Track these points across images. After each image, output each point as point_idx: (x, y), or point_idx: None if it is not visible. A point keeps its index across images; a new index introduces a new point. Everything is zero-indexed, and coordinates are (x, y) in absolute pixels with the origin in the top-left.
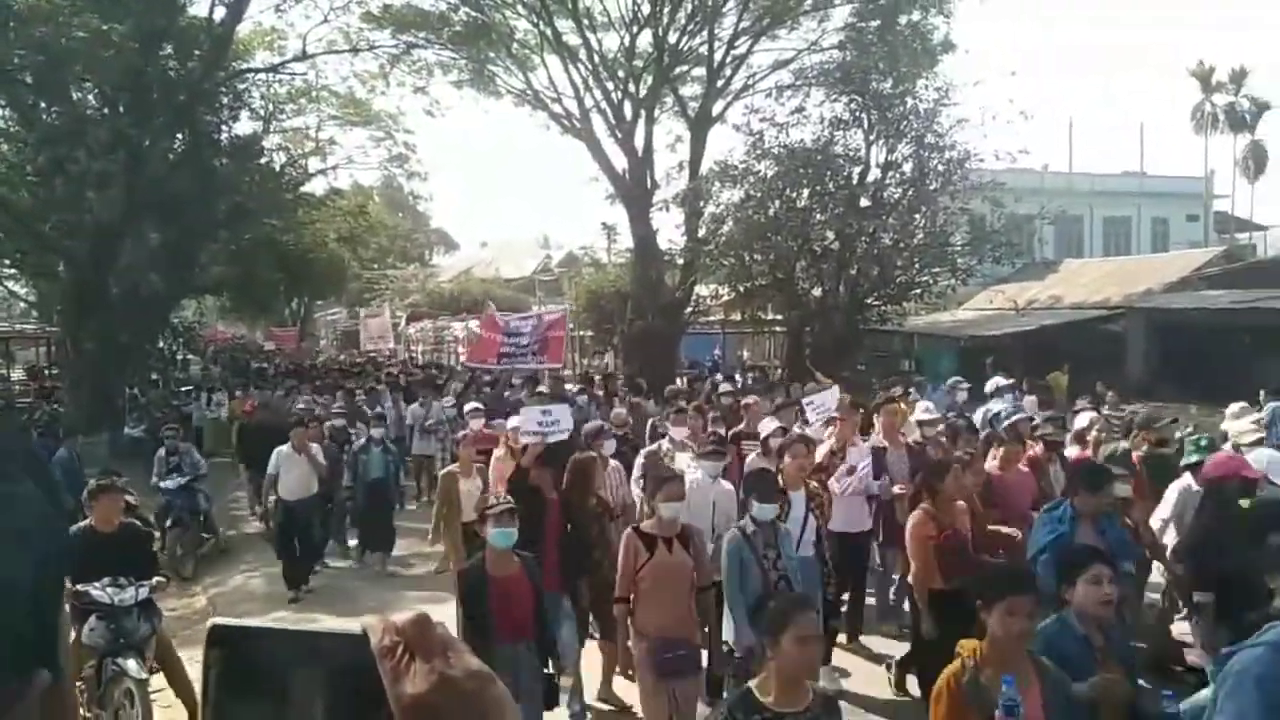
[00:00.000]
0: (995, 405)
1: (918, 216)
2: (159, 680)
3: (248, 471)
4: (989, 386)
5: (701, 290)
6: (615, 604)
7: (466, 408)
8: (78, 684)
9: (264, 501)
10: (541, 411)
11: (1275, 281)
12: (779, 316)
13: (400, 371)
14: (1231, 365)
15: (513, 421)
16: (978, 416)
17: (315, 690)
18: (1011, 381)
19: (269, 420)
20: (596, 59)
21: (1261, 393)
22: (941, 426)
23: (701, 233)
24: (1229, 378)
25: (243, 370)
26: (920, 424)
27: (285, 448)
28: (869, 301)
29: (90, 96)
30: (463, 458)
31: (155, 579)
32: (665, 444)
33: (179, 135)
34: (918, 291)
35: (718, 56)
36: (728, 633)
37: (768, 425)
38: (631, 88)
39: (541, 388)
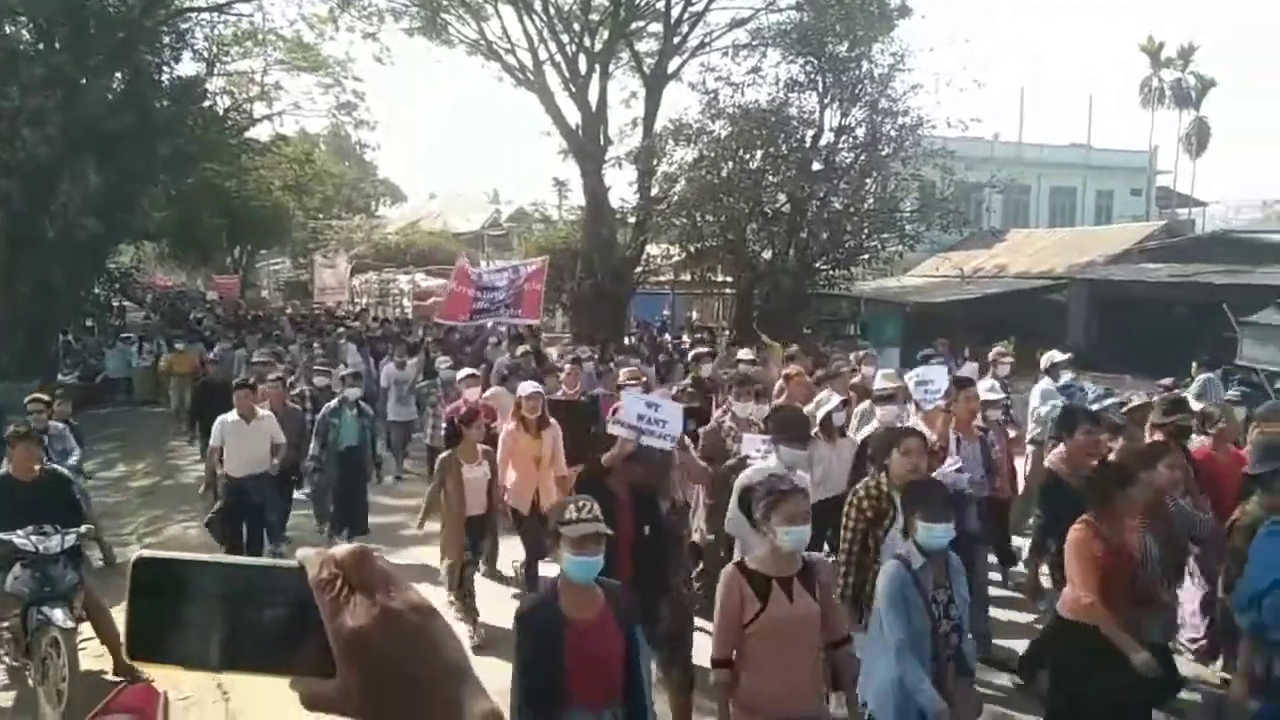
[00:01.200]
0: (1045, 385)
1: (869, 181)
2: (87, 629)
3: (203, 438)
4: (1044, 361)
5: (652, 250)
6: (714, 669)
7: (460, 374)
8: (3, 633)
9: (208, 478)
10: (646, 404)
11: (1213, 256)
12: (729, 278)
13: (360, 325)
14: (1169, 338)
15: (526, 387)
16: (1034, 399)
17: (246, 623)
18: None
19: (225, 378)
20: (552, 10)
21: (1194, 364)
22: (999, 414)
23: (654, 191)
24: (1166, 350)
25: (181, 320)
26: (985, 405)
27: (230, 415)
28: (818, 265)
29: (24, 31)
30: (467, 439)
31: (83, 527)
32: (727, 421)
33: (118, 74)
34: (866, 256)
35: (675, 12)
36: (867, 695)
37: (829, 400)
38: (587, 41)
39: (526, 347)
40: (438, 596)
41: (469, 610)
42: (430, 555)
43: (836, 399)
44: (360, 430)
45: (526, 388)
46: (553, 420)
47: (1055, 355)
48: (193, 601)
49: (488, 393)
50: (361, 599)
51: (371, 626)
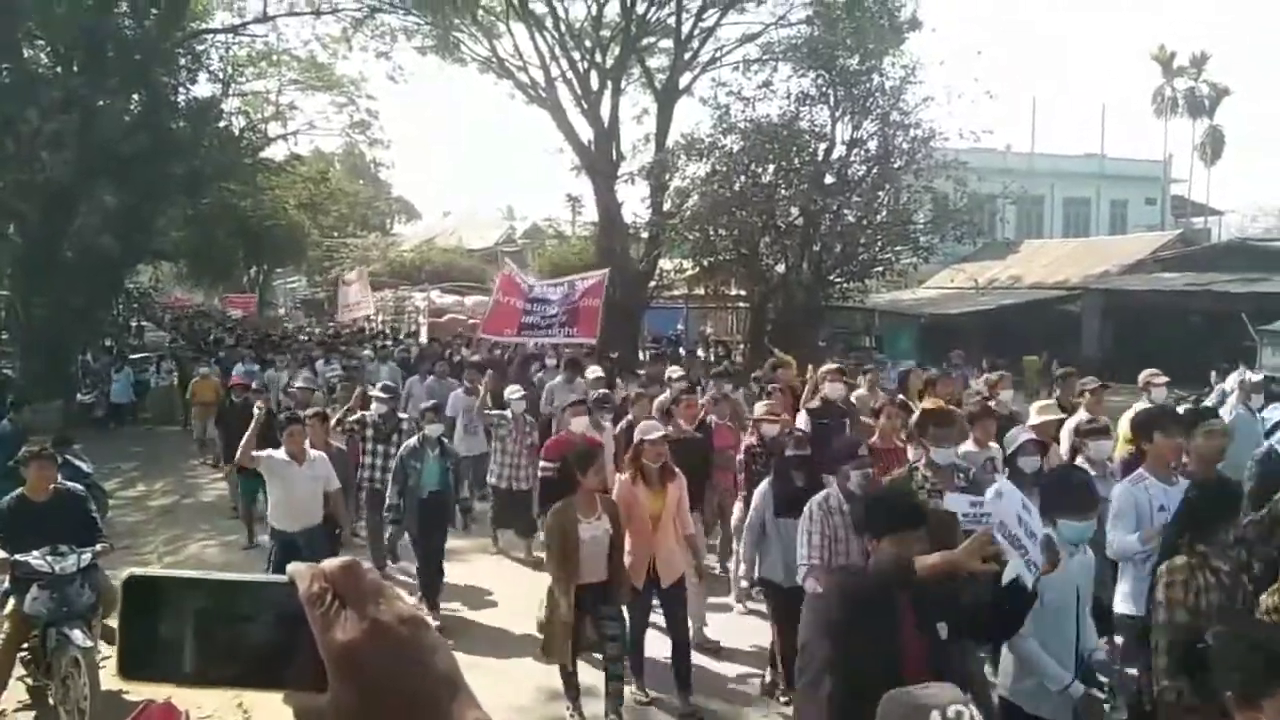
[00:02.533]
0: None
1: (881, 194)
2: (108, 648)
3: (233, 471)
4: (1232, 382)
5: (665, 264)
6: None
7: (567, 400)
8: (23, 654)
9: (250, 533)
10: (970, 503)
11: (1229, 265)
12: (742, 292)
13: (394, 344)
14: (1185, 347)
15: (649, 429)
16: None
17: (238, 639)
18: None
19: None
20: (563, 28)
21: (1213, 373)
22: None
23: (666, 206)
24: (1182, 360)
25: (199, 340)
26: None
27: (278, 453)
28: (831, 278)
29: (42, 54)
30: (585, 488)
31: (98, 545)
32: (921, 468)
33: (135, 96)
34: (880, 269)
35: (685, 28)
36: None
37: (1016, 438)
38: (598, 58)
39: (595, 371)
40: (537, 685)
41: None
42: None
43: (1024, 435)
44: (443, 473)
45: (649, 430)
46: (678, 470)
47: (1248, 375)
48: (184, 619)
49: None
50: (352, 613)
51: (362, 640)
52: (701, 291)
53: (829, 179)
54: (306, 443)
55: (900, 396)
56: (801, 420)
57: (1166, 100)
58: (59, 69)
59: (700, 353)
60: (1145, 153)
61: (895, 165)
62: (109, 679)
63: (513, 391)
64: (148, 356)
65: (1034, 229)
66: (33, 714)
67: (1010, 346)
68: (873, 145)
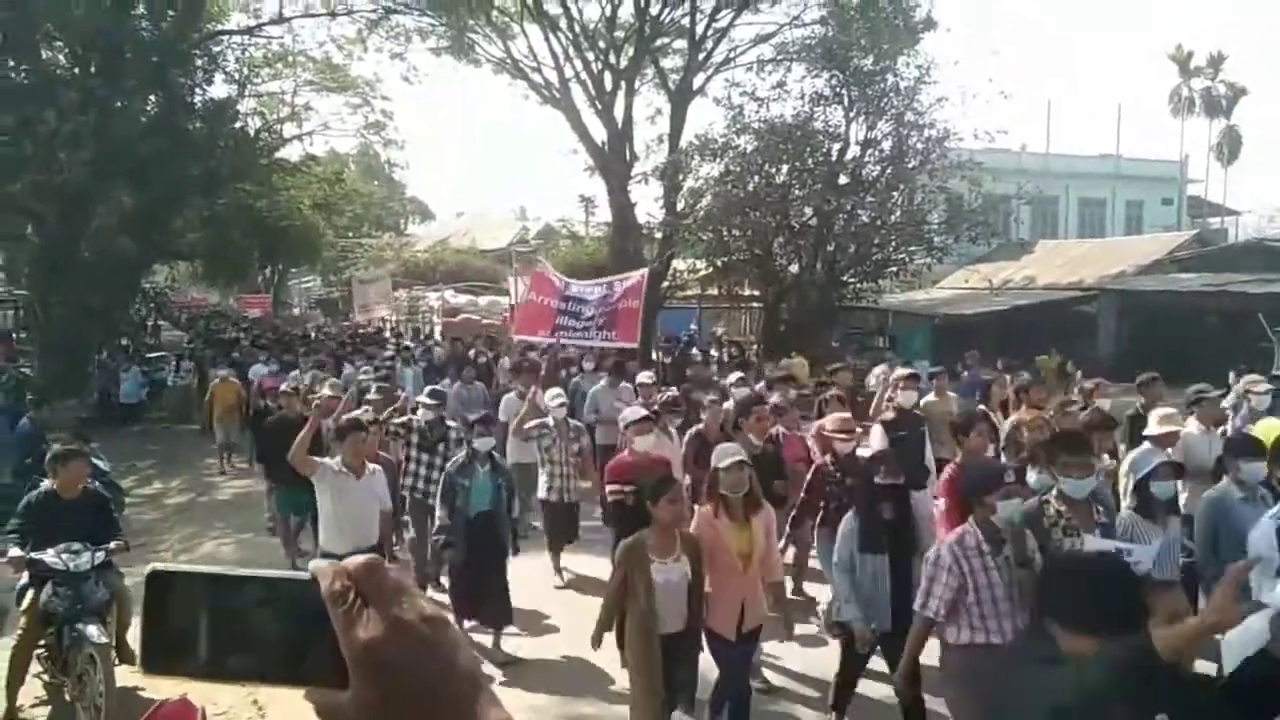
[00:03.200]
0: None
1: (896, 194)
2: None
3: (270, 479)
4: None
5: (679, 264)
6: None
7: (629, 415)
8: (39, 651)
9: (291, 556)
10: (1118, 549)
11: (1246, 266)
12: (755, 292)
13: (416, 346)
14: (1202, 348)
15: (726, 452)
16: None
17: (259, 634)
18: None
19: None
20: (577, 28)
21: (1231, 374)
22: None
23: (680, 206)
24: (1198, 360)
25: (215, 340)
26: None
27: (333, 461)
28: (845, 279)
29: (60, 56)
30: (661, 518)
31: (113, 543)
32: (1053, 503)
33: (151, 97)
34: (894, 269)
35: (699, 29)
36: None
37: (1146, 462)
38: (612, 58)
39: (645, 376)
40: None
41: None
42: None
43: (1156, 457)
44: (495, 491)
45: (726, 454)
46: (766, 503)
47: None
48: (206, 614)
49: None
50: (374, 611)
51: (384, 638)
52: (715, 292)
53: (843, 179)
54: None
55: (981, 407)
56: (877, 436)
57: (1183, 100)
58: (76, 70)
59: (715, 352)
60: (1162, 153)
61: (909, 165)
62: (126, 675)
63: (552, 397)
64: (164, 356)
65: (1049, 229)
66: (49, 710)
67: (1025, 347)
68: (887, 145)
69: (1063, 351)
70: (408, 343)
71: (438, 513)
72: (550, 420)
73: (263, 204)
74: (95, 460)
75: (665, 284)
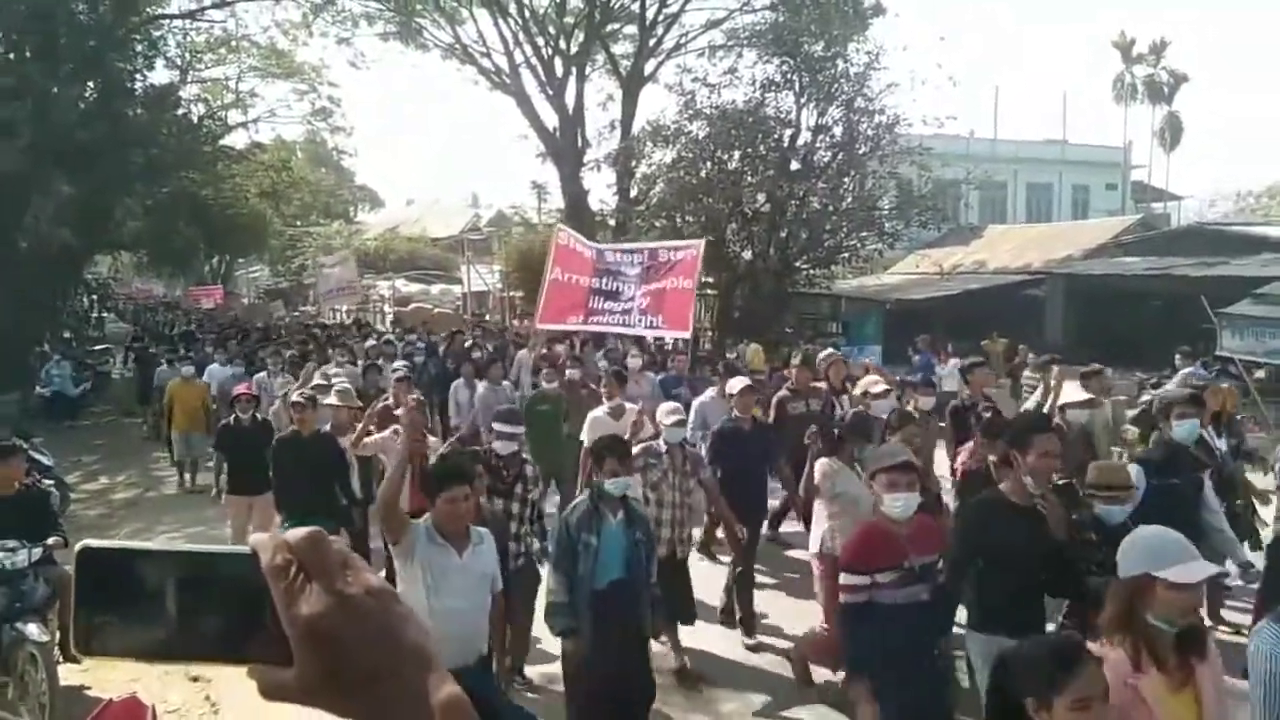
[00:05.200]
0: None
1: (847, 180)
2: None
3: (281, 512)
4: None
5: None
6: None
7: (720, 420)
8: None
9: None
10: None
11: (1188, 250)
12: (709, 279)
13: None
14: (1146, 330)
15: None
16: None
17: (197, 612)
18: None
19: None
20: (526, 13)
21: (1176, 355)
22: None
23: (633, 193)
24: (1142, 342)
25: (160, 332)
26: None
27: (422, 524)
28: (798, 265)
29: None
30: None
31: (52, 539)
32: None
33: (90, 83)
34: (846, 255)
35: (650, 14)
36: None
37: None
38: (562, 44)
39: (740, 382)
40: None
41: None
42: None
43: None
44: (631, 550)
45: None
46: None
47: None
48: (142, 592)
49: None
50: (317, 585)
51: (328, 613)
52: None
53: (795, 165)
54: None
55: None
56: (1136, 475)
57: (1126, 87)
58: (10, 55)
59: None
60: (1106, 139)
61: (860, 151)
62: (72, 674)
63: (667, 413)
64: (108, 348)
65: (997, 214)
66: None
67: (975, 331)
68: (838, 131)
69: (1011, 335)
70: (387, 335)
71: (550, 586)
72: (662, 444)
73: (208, 192)
74: (38, 455)
75: None
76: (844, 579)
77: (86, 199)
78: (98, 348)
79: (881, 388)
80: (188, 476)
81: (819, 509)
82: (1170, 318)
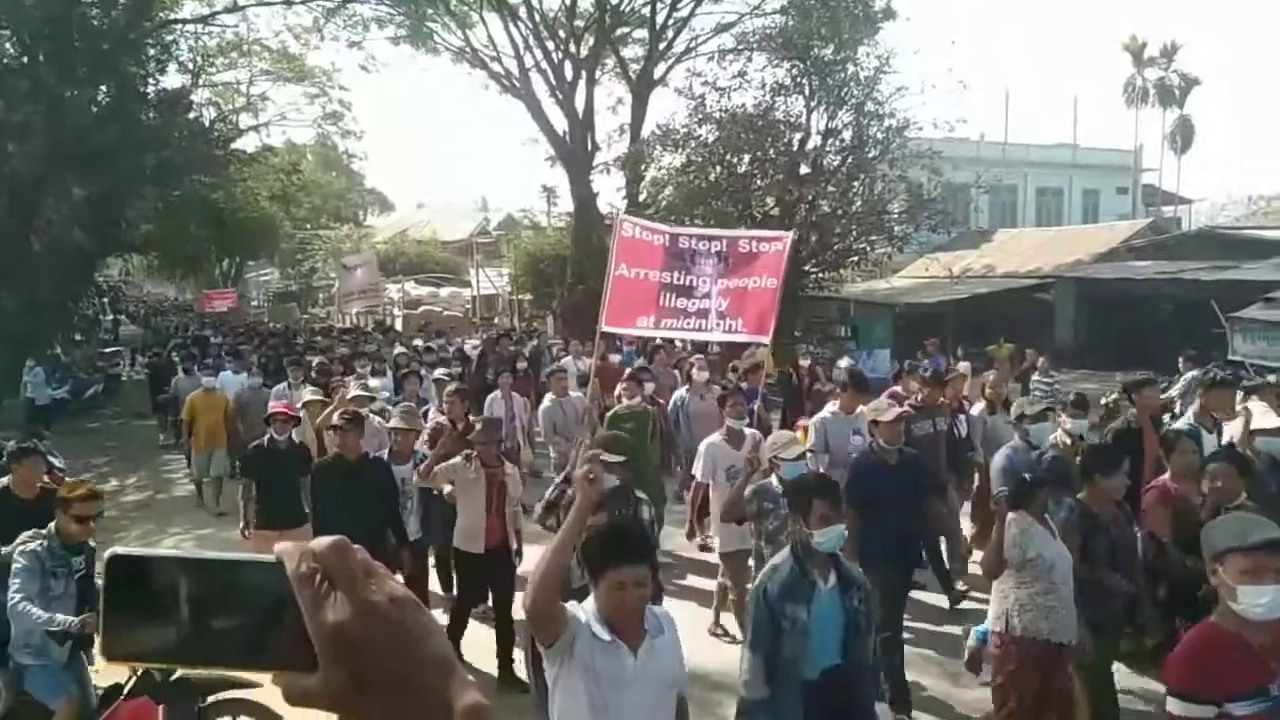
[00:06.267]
0: None
1: (856, 184)
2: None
3: None
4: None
5: None
6: None
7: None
8: None
9: None
10: None
11: (1199, 254)
12: None
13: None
14: (1156, 334)
15: None
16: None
17: (224, 618)
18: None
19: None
20: (537, 17)
21: (1180, 360)
22: None
23: (642, 197)
24: (1152, 346)
25: (167, 335)
26: None
27: (582, 613)
28: (807, 268)
29: (9, 45)
30: None
31: None
32: None
33: (103, 87)
34: (855, 258)
35: (660, 18)
36: None
37: None
38: (572, 48)
39: (886, 405)
40: None
41: None
42: None
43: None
44: (849, 625)
45: None
46: None
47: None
48: (169, 598)
49: None
50: (342, 593)
51: (353, 621)
52: None
53: (804, 169)
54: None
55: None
56: None
57: (1137, 90)
58: (26, 59)
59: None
60: (1117, 143)
61: (870, 155)
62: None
63: (785, 444)
64: (119, 351)
65: (1008, 218)
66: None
67: (985, 335)
68: (847, 135)
69: (1021, 339)
70: (428, 343)
71: (747, 677)
72: (775, 483)
73: (219, 195)
74: (49, 457)
75: None
76: (1178, 708)
77: (99, 201)
78: (108, 350)
79: (1038, 408)
80: (208, 497)
81: (1005, 580)
82: (1181, 322)
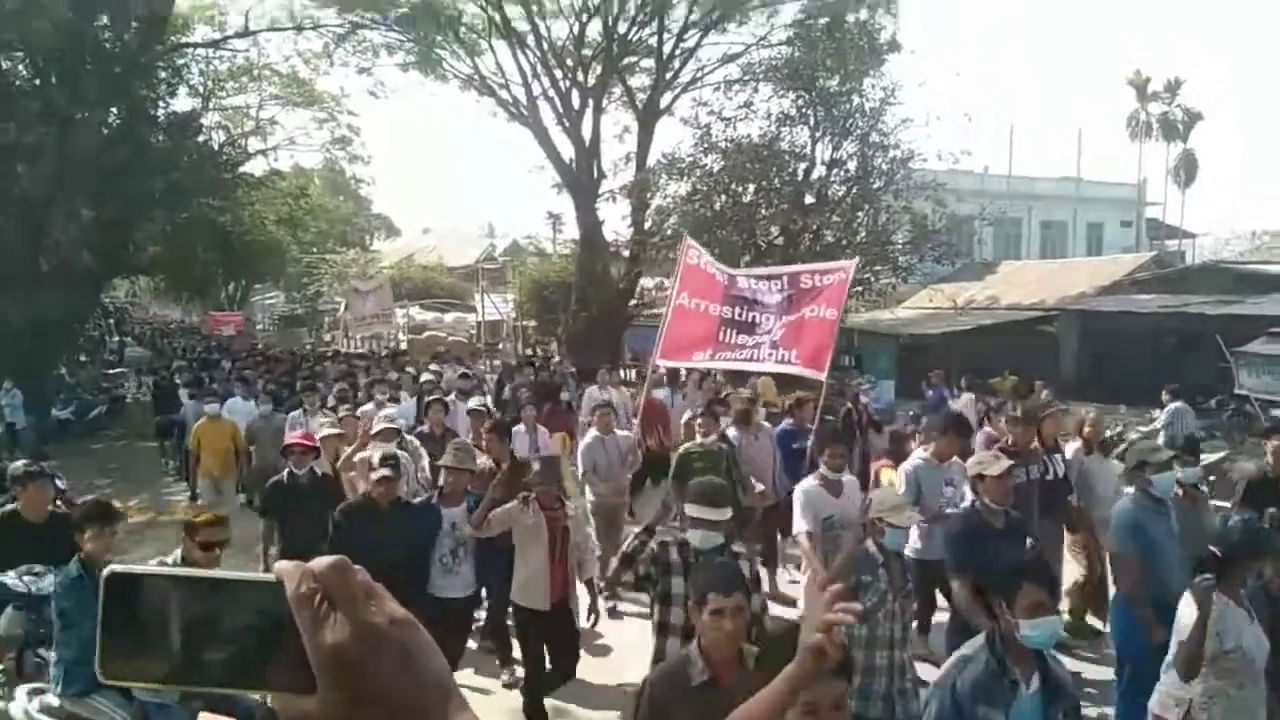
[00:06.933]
0: None
1: (861, 214)
2: None
3: None
4: None
5: (646, 282)
6: None
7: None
8: None
9: None
10: None
11: (1202, 287)
12: None
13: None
14: (1158, 368)
15: None
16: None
17: (223, 639)
18: None
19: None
20: (545, 46)
21: (1164, 393)
22: None
23: (647, 225)
24: (1156, 380)
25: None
26: None
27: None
28: None
29: (20, 66)
30: None
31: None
32: None
33: (114, 109)
34: (859, 289)
35: (667, 48)
36: None
37: None
38: (580, 77)
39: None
40: None
41: None
42: None
43: None
44: None
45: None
46: None
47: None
48: (167, 618)
49: None
50: (342, 614)
51: (352, 642)
52: None
53: (809, 199)
54: None
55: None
56: None
57: (1141, 124)
58: (37, 81)
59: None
60: (1121, 176)
61: (874, 186)
62: None
63: (889, 505)
64: (123, 372)
65: (1011, 250)
66: None
67: (988, 367)
68: (852, 166)
69: (1024, 371)
70: (462, 370)
71: None
72: (875, 550)
73: (226, 219)
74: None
75: (633, 302)
76: None
77: (108, 223)
78: (113, 371)
79: (1163, 456)
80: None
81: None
82: (1185, 356)
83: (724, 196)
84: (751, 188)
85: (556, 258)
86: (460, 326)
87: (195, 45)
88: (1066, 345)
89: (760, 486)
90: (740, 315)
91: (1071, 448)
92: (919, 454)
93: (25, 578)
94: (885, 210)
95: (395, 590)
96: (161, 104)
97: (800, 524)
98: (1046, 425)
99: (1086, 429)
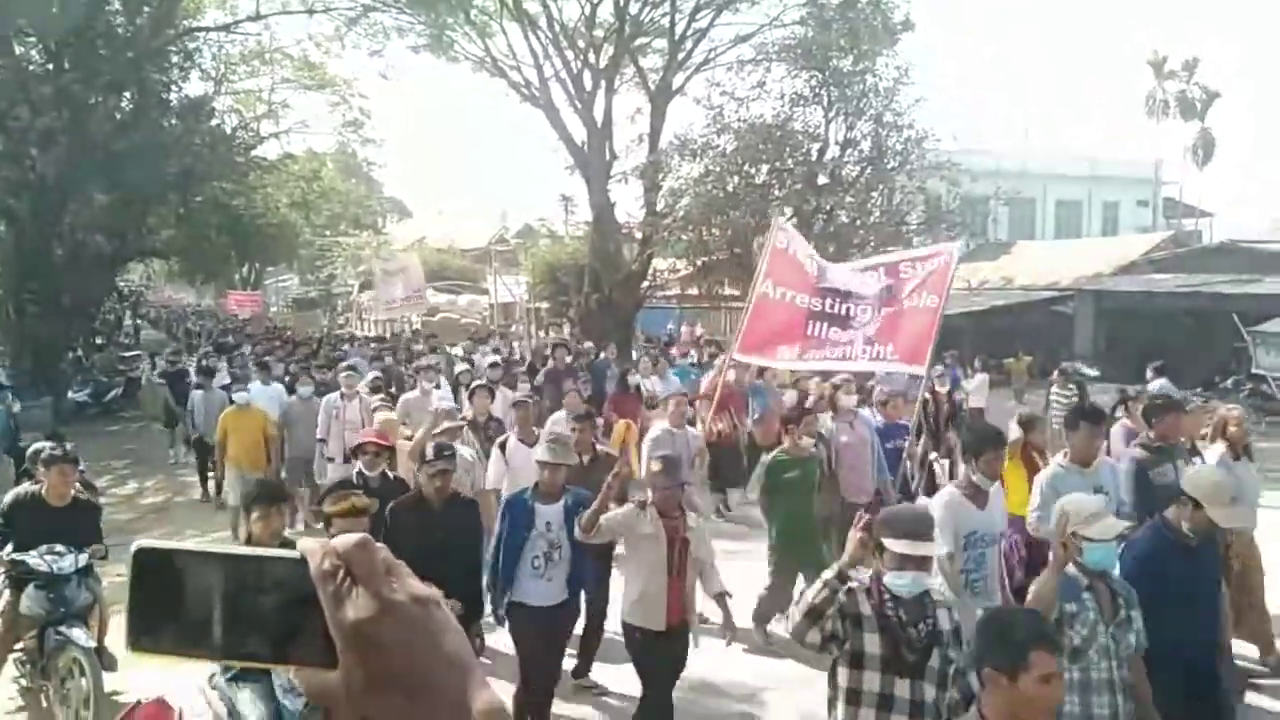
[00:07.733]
0: None
1: (875, 194)
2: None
3: None
4: None
5: (659, 264)
6: None
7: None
8: (18, 655)
9: None
10: None
11: (1219, 267)
12: (735, 292)
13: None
14: (1176, 347)
15: None
16: None
17: (247, 613)
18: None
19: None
20: (557, 27)
21: (1149, 370)
22: None
23: (660, 206)
24: (1172, 359)
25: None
26: None
27: None
28: None
29: (34, 51)
30: None
31: (93, 547)
32: None
33: (126, 94)
34: None
35: (679, 28)
36: None
37: None
38: (592, 57)
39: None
40: None
41: None
42: None
43: None
44: None
45: None
46: None
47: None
48: (194, 591)
49: None
50: (364, 590)
51: (374, 618)
52: (695, 292)
53: (822, 179)
54: None
55: None
56: None
57: (1158, 103)
58: (50, 66)
59: (694, 353)
60: (1137, 155)
61: (888, 166)
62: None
63: (1080, 517)
64: (138, 354)
65: (1026, 230)
66: (25, 716)
67: (1003, 347)
68: (866, 146)
69: (1039, 351)
70: (507, 356)
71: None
72: (1076, 573)
73: (239, 202)
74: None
75: (645, 284)
76: None
77: (121, 207)
78: (128, 354)
79: None
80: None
81: None
82: (1201, 335)
83: (737, 177)
84: (765, 168)
85: (569, 239)
86: (473, 309)
87: (207, 29)
88: (1082, 325)
89: (862, 496)
90: (832, 307)
91: (1215, 451)
92: (1057, 460)
93: (47, 557)
94: (899, 190)
95: (449, 591)
96: (174, 88)
97: (940, 544)
98: (1186, 423)
99: (1232, 429)
